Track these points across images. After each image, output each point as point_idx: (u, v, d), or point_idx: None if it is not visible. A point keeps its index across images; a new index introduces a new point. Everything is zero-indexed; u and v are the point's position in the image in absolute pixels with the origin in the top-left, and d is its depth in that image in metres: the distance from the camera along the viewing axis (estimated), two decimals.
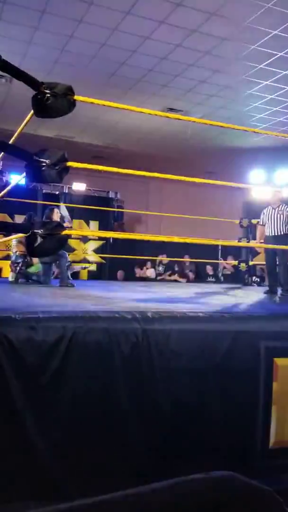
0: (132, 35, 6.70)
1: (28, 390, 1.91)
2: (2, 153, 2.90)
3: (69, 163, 2.40)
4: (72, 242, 11.70)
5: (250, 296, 5.10)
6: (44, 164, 2.30)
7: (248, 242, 7.90)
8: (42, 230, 2.28)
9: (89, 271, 11.35)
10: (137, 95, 8.90)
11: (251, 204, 10.41)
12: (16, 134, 3.46)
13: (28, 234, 2.29)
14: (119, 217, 12.57)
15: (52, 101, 2.35)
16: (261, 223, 6.32)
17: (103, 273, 11.46)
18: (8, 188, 4.54)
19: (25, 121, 3.00)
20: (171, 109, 9.67)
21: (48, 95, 2.33)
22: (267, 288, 6.07)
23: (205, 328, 2.25)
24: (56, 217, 5.86)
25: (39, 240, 2.28)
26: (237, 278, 9.44)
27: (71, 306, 2.64)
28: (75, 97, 2.44)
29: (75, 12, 6.16)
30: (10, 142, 3.64)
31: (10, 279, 6.36)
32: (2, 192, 4.35)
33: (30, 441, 1.87)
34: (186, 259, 10.97)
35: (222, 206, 13.10)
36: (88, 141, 11.34)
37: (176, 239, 3.76)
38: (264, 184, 11.37)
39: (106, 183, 12.49)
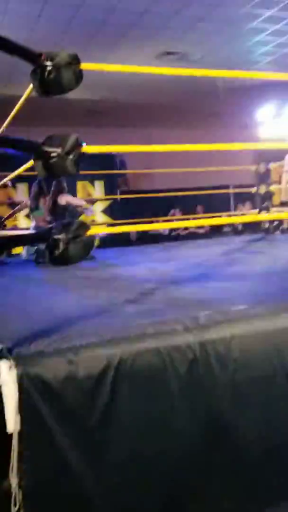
0: None
1: (75, 436, 1.60)
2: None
3: (85, 148, 2.00)
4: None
5: (285, 251, 4.74)
6: (56, 154, 1.91)
7: (267, 188, 7.43)
8: (63, 235, 1.92)
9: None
10: (131, 42, 8.25)
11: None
12: (13, 112, 3.03)
13: (48, 241, 1.93)
14: (123, 174, 12.08)
15: (55, 74, 1.92)
16: (286, 169, 5.87)
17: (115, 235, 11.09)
18: None
19: (22, 98, 2.57)
20: (169, 53, 9.01)
21: (50, 68, 1.91)
22: None
23: (270, 328, 1.91)
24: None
25: (61, 246, 1.91)
26: (255, 225, 9.04)
27: (108, 313, 2.30)
28: (82, 65, 2.01)
29: None
30: (8, 121, 3.22)
31: (24, 256, 6.01)
32: None
33: (83, 493, 1.59)
34: (199, 215, 10.53)
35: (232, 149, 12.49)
36: (81, 96, 10.67)
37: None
38: (273, 120, 10.77)
39: (105, 139, 11.92)
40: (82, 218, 9.11)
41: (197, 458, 1.75)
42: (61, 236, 1.92)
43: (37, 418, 1.60)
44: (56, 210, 5.69)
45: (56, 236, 1.92)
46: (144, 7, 6.95)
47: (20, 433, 1.58)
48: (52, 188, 5.77)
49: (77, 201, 6.72)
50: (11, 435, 1.59)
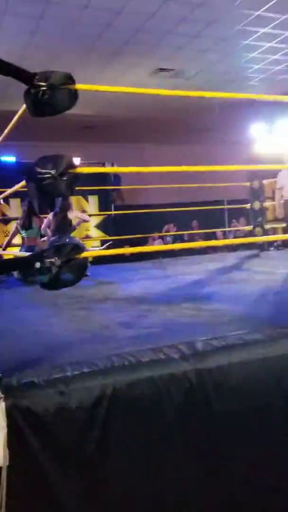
0: None
1: (66, 472, 1.53)
2: None
3: (80, 169, 1.95)
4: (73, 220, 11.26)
5: (281, 270, 4.70)
6: (49, 175, 1.86)
7: (261, 204, 7.42)
8: (56, 258, 1.86)
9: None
10: (125, 58, 8.27)
11: (255, 161, 9.88)
12: (8, 128, 2.98)
13: (40, 265, 1.87)
14: (117, 188, 12.07)
15: (49, 95, 1.88)
16: (278, 186, 5.88)
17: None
18: None
19: (16, 116, 2.53)
20: (163, 69, 9.05)
21: (44, 88, 1.86)
22: None
23: (269, 355, 1.86)
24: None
25: (53, 270, 1.86)
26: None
27: (101, 339, 2.23)
28: (76, 85, 1.97)
29: None
30: (3, 136, 3.18)
31: (16, 276, 5.92)
32: None
33: None
34: (194, 230, 10.52)
35: (225, 165, 12.53)
36: (77, 111, 10.67)
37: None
38: (266, 137, 10.79)
39: (100, 154, 11.92)
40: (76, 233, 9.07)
41: (192, 491, 1.68)
42: (53, 260, 1.86)
43: (27, 453, 1.53)
44: (65, 227, 5.64)
45: (48, 260, 1.86)
46: (140, 24, 6.98)
47: (9, 468, 1.51)
48: (58, 205, 5.70)
49: (85, 216, 6.68)
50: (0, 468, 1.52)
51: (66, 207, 5.69)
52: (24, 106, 2.25)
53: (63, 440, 1.54)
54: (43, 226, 5.87)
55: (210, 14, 6.81)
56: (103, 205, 11.39)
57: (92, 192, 11.01)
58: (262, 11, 6.81)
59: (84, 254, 1.99)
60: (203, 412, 1.72)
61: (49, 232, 5.76)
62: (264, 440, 1.80)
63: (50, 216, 5.79)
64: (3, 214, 9.08)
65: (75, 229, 6.20)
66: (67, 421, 1.55)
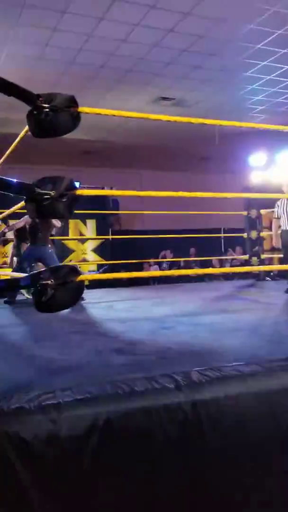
0: (121, 23, 6.18)
1: (55, 504, 1.47)
2: None
3: (79, 192, 1.94)
4: (70, 243, 11.26)
5: (277, 300, 4.67)
6: (49, 196, 1.84)
7: (258, 233, 7.45)
8: (52, 280, 1.83)
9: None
10: (127, 86, 8.40)
11: (252, 190, 9.94)
12: (9, 150, 2.99)
13: (36, 286, 1.83)
14: (115, 212, 12.12)
15: (52, 117, 1.88)
16: (275, 216, 5.89)
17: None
18: None
19: (19, 136, 2.53)
20: (164, 98, 9.19)
21: (47, 110, 1.86)
22: (287, 286, 5.64)
23: (266, 388, 1.81)
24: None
25: (49, 292, 1.82)
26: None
27: (95, 365, 2.18)
28: (79, 108, 1.97)
29: (57, 3, 5.63)
30: (2, 159, 3.18)
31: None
32: None
33: None
34: (191, 258, 10.51)
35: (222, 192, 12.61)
36: (77, 136, 10.82)
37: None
38: (265, 168, 10.88)
39: (99, 178, 12.00)
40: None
41: None
42: (49, 281, 1.83)
43: (14, 481, 1.47)
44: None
45: (44, 281, 1.83)
46: (142, 54, 7.10)
47: None
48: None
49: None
50: None
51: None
52: (26, 129, 2.25)
53: (52, 470, 1.48)
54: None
55: (212, 46, 6.95)
56: (101, 229, 11.40)
57: (90, 216, 11.04)
58: (262, 45, 6.96)
59: (80, 278, 1.96)
60: (197, 445, 1.67)
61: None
62: (259, 476, 1.74)
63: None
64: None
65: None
66: (57, 450, 1.49)
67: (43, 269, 1.92)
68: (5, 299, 5.48)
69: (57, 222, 5.83)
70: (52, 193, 1.86)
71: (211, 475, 1.69)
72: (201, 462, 1.67)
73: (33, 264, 5.74)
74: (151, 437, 1.61)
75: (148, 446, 1.61)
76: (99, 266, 10.94)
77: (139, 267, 10.43)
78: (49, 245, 5.64)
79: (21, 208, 2.45)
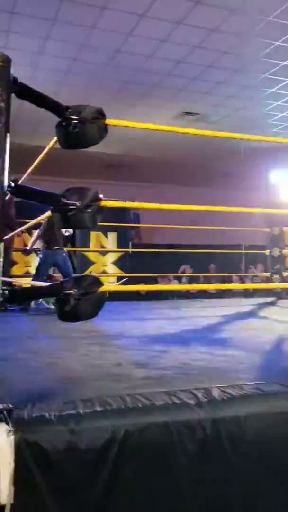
0: (148, 39, 6.26)
1: None
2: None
3: (104, 203, 1.95)
4: (90, 255, 11.31)
5: None
6: (75, 207, 1.85)
7: (281, 251, 7.39)
8: (75, 290, 1.83)
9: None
10: (152, 100, 8.49)
11: (275, 207, 9.87)
12: (36, 161, 3.03)
13: (59, 296, 1.84)
14: (136, 227, 12.16)
15: (80, 128, 1.90)
16: None
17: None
18: None
19: (47, 148, 2.57)
20: (188, 113, 9.24)
21: (75, 121, 1.89)
22: None
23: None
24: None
25: (72, 302, 1.82)
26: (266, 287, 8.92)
27: (115, 377, 2.17)
28: (107, 120, 1.99)
29: (87, 19, 5.74)
30: (30, 170, 3.22)
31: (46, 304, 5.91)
32: None
33: None
34: (210, 273, 10.44)
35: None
36: (102, 150, 10.94)
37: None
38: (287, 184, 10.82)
39: (121, 192, 12.07)
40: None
41: None
42: (72, 291, 1.83)
43: (33, 491, 1.45)
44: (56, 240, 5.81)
45: (67, 291, 1.83)
46: (168, 69, 7.17)
47: (12, 506, 1.43)
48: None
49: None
50: (3, 507, 1.44)
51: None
52: (53, 140, 2.28)
53: (71, 481, 1.47)
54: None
55: (237, 62, 6.99)
56: (122, 243, 11.43)
57: (111, 229, 11.08)
58: (287, 62, 6.96)
59: (102, 288, 1.96)
60: (216, 464, 1.64)
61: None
62: (279, 499, 1.69)
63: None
64: (25, 245, 9.16)
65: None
66: (75, 461, 1.48)
67: (65, 278, 1.92)
68: (21, 306, 5.54)
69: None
70: (77, 203, 1.87)
71: (230, 495, 1.65)
72: (220, 481, 1.64)
73: (50, 269, 5.86)
74: (170, 452, 1.58)
75: (167, 462, 1.58)
76: (119, 279, 10.94)
77: (158, 281, 10.41)
78: (64, 250, 5.80)
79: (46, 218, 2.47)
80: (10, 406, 1.58)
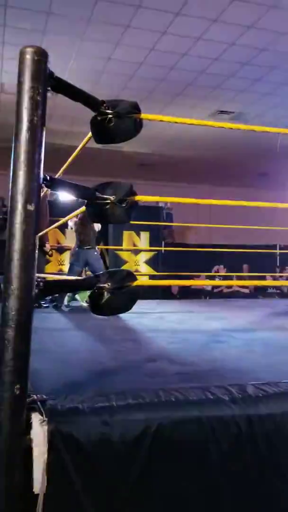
0: (183, 37, 6.22)
1: (103, 506, 1.46)
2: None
3: (138, 197, 1.94)
4: (123, 254, 11.36)
5: None
6: (109, 201, 1.85)
7: None
8: (109, 284, 1.83)
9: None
10: (186, 99, 8.43)
11: None
12: (70, 159, 3.05)
13: (93, 289, 1.84)
14: (169, 226, 12.12)
15: (115, 123, 1.90)
16: None
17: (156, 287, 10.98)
18: None
19: (81, 144, 2.58)
20: (222, 112, 9.14)
21: (110, 116, 1.89)
22: None
23: None
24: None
25: (105, 296, 1.82)
26: None
27: (148, 372, 2.16)
28: (142, 115, 1.98)
29: (121, 18, 5.75)
30: (64, 167, 3.25)
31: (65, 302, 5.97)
32: None
33: None
34: (243, 273, 10.32)
35: (277, 208, 12.37)
36: (136, 149, 10.97)
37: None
38: None
39: (154, 192, 12.07)
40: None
41: None
42: (106, 285, 1.83)
43: (65, 481, 1.46)
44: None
45: (101, 285, 1.83)
46: (203, 67, 7.12)
47: (45, 495, 1.45)
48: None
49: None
50: (36, 495, 1.46)
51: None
52: (88, 136, 2.29)
53: (103, 472, 1.47)
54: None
55: (273, 59, 6.87)
56: (154, 242, 11.43)
57: (144, 228, 11.09)
58: None
59: (136, 283, 1.95)
60: (250, 462, 1.61)
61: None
62: None
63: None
64: (58, 243, 9.27)
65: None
66: (108, 453, 1.48)
67: (98, 273, 1.92)
68: (54, 303, 5.63)
69: (97, 226, 6.01)
70: (112, 198, 1.87)
71: (263, 493, 1.62)
72: (254, 478, 1.61)
73: (83, 268, 5.91)
74: (202, 447, 1.57)
75: (199, 457, 1.57)
76: (151, 278, 10.95)
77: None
78: (96, 249, 5.83)
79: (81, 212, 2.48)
80: (44, 397, 1.59)
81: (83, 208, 2.05)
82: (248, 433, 1.61)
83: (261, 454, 1.61)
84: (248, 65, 7.07)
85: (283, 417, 1.65)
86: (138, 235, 11.49)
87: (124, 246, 11.07)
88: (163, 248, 10.91)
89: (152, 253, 11.52)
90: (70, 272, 5.84)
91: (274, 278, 10.26)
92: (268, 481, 1.62)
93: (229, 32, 6.12)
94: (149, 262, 11.46)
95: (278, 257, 11.88)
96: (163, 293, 9.61)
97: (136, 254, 11.38)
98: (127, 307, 1.89)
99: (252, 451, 1.61)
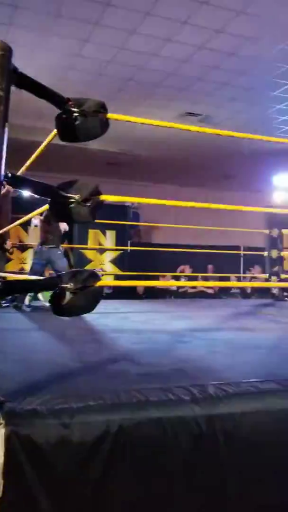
0: (153, 38, 6.23)
1: (62, 508, 1.44)
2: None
3: (103, 197, 1.93)
4: (88, 253, 11.30)
5: None
6: (73, 200, 1.83)
7: (279, 253, 7.37)
8: (71, 284, 1.81)
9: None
10: (155, 99, 8.45)
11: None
12: (34, 155, 3.01)
13: (54, 290, 1.82)
14: (135, 225, 12.14)
15: (81, 121, 1.88)
16: None
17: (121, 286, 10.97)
18: None
19: (46, 141, 2.55)
20: (190, 114, 9.21)
21: (76, 114, 1.87)
22: None
23: (285, 406, 1.76)
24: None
25: (68, 296, 1.80)
26: (263, 289, 8.93)
27: (109, 373, 2.15)
28: (108, 115, 1.97)
29: (90, 15, 5.71)
30: (27, 164, 3.20)
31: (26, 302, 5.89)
32: None
33: None
34: (208, 274, 10.44)
35: (244, 211, 12.56)
36: (103, 148, 10.91)
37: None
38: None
39: (122, 191, 12.04)
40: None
41: None
42: (68, 285, 1.81)
43: (23, 486, 1.44)
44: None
45: (63, 285, 1.81)
46: (171, 69, 7.15)
47: (2, 499, 1.42)
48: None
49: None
50: None
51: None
52: (53, 133, 2.26)
53: (62, 475, 1.45)
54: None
55: (241, 64, 6.96)
56: (120, 241, 11.42)
57: (110, 227, 11.07)
58: None
59: (100, 283, 1.94)
60: (210, 461, 1.62)
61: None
62: (275, 494, 1.68)
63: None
64: (20, 241, 9.13)
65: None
66: (67, 455, 1.46)
67: (61, 272, 1.90)
68: (15, 303, 5.52)
69: (64, 226, 5.95)
70: (76, 196, 1.85)
71: (224, 491, 1.64)
72: (214, 478, 1.62)
73: (45, 267, 5.84)
74: (164, 448, 1.57)
75: (160, 457, 1.57)
76: (117, 277, 10.94)
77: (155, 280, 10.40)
78: (59, 248, 5.77)
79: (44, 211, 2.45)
80: (1, 399, 1.56)
81: (46, 206, 2.03)
82: (208, 432, 1.62)
83: (220, 452, 1.63)
84: (216, 69, 7.15)
85: (243, 417, 1.67)
86: (104, 234, 11.46)
87: (89, 245, 11.02)
88: (129, 248, 10.91)
89: (117, 252, 11.51)
90: (32, 271, 5.76)
91: (238, 279, 10.41)
92: (228, 478, 1.63)
93: (198, 35, 6.16)
94: (114, 262, 11.44)
95: (242, 258, 12.08)
96: (127, 293, 9.61)
97: (102, 253, 11.35)
98: (90, 308, 1.88)
99: (212, 450, 1.62)
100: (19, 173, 3.26)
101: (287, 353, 2.80)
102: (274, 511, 1.68)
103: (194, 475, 1.60)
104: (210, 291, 10.27)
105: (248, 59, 6.79)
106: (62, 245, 6.33)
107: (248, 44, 6.38)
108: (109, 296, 7.71)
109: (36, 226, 6.33)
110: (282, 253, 7.59)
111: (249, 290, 10.23)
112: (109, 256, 11.57)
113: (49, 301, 1.88)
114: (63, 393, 1.65)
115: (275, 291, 7.69)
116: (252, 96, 8.19)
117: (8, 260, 8.39)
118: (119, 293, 8.91)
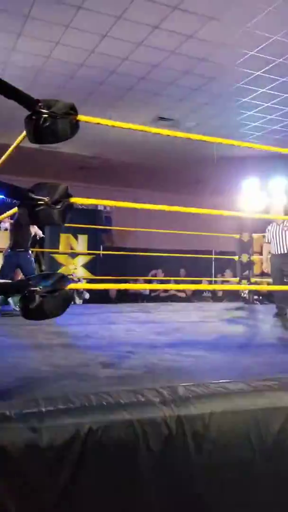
0: (124, 42, 6.25)
1: None
2: None
3: (73, 199, 1.92)
4: (60, 258, 11.21)
5: (265, 323, 4.66)
6: (43, 202, 1.82)
7: (249, 257, 7.50)
8: (40, 287, 1.79)
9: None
10: (127, 104, 8.46)
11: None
12: (3, 158, 2.98)
13: (24, 293, 1.80)
14: (108, 230, 12.12)
15: (51, 123, 1.87)
16: (266, 240, 5.93)
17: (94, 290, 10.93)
18: None
19: (14, 144, 2.52)
20: (162, 118, 9.26)
21: (46, 115, 1.86)
22: (275, 310, 5.64)
23: (252, 406, 1.78)
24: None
25: (37, 299, 1.79)
26: (234, 293, 9.04)
27: (79, 377, 2.14)
28: (78, 117, 1.96)
29: (62, 18, 5.69)
30: None
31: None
32: None
33: None
34: (180, 278, 10.49)
35: (215, 215, 12.68)
36: (74, 151, 10.87)
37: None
38: (258, 193, 10.98)
39: (93, 195, 12.00)
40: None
41: None
42: (38, 288, 1.79)
43: None
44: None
45: (32, 288, 1.79)
46: (143, 73, 7.18)
47: None
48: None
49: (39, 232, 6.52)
50: None
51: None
52: (22, 135, 2.24)
53: (30, 480, 1.43)
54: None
55: (212, 70, 7.04)
56: (92, 245, 11.37)
57: (82, 231, 11.00)
58: (261, 72, 7.07)
59: (69, 286, 1.93)
60: (180, 461, 1.63)
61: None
62: (243, 493, 1.69)
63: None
64: None
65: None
66: (36, 460, 1.44)
67: (30, 276, 1.88)
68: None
69: (38, 231, 5.95)
70: (46, 199, 1.84)
71: (194, 491, 1.64)
72: (185, 478, 1.63)
73: (14, 271, 5.81)
74: (134, 450, 1.57)
75: (130, 459, 1.57)
76: (89, 282, 10.88)
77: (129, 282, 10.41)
78: (29, 251, 5.75)
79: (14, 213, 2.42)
80: None
81: (16, 209, 2.00)
82: (178, 433, 1.62)
83: (190, 453, 1.63)
84: (187, 74, 7.21)
85: (212, 417, 1.69)
86: (76, 238, 11.39)
87: (61, 249, 10.93)
88: (101, 252, 10.88)
89: (90, 257, 11.46)
90: (0, 275, 5.69)
91: (210, 282, 10.51)
92: (197, 477, 1.64)
93: (170, 40, 6.21)
94: (87, 266, 11.38)
95: (213, 263, 12.19)
96: (100, 297, 9.58)
97: (74, 257, 11.27)
98: (59, 311, 1.87)
99: (182, 450, 1.63)
100: None
101: (255, 355, 2.83)
102: (242, 511, 1.70)
103: (164, 476, 1.60)
104: (182, 295, 10.32)
105: (218, 65, 6.88)
106: (32, 249, 6.28)
107: (219, 50, 6.46)
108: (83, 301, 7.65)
109: (6, 229, 6.28)
110: (253, 258, 7.73)
111: (220, 294, 10.33)
112: (81, 260, 11.50)
113: (18, 305, 1.86)
114: (32, 397, 1.63)
115: (245, 294, 7.82)
116: (222, 102, 8.29)
117: None
118: (91, 297, 8.88)
